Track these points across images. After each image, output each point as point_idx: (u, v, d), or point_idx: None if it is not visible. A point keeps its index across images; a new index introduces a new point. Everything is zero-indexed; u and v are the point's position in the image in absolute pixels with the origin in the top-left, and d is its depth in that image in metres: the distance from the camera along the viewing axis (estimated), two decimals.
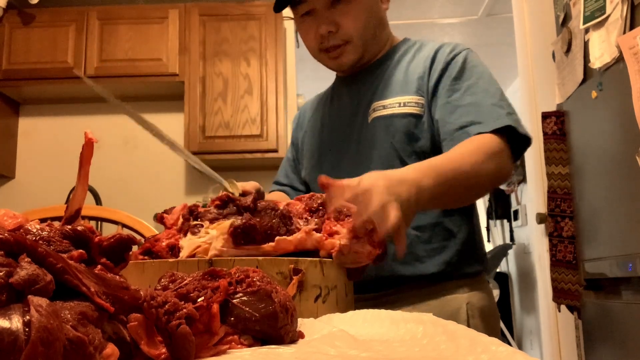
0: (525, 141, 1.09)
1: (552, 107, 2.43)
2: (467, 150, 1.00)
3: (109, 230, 2.70)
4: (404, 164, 1.12)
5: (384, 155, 1.16)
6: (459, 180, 0.96)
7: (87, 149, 0.49)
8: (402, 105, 1.14)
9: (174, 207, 0.96)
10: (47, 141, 3.50)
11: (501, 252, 5.37)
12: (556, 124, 2.32)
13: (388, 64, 1.22)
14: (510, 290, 5.68)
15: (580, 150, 2.19)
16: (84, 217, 1.58)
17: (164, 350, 0.37)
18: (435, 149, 1.13)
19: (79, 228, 0.42)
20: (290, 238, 0.79)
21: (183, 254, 0.80)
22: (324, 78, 1.31)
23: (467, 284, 1.13)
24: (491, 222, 5.80)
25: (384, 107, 1.16)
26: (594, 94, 2.02)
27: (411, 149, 1.13)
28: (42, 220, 0.60)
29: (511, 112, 1.09)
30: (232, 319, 0.46)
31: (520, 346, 5.39)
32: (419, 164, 0.96)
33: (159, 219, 0.96)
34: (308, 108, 1.40)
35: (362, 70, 1.24)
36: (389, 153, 1.15)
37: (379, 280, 1.08)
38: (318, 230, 0.82)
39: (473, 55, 1.20)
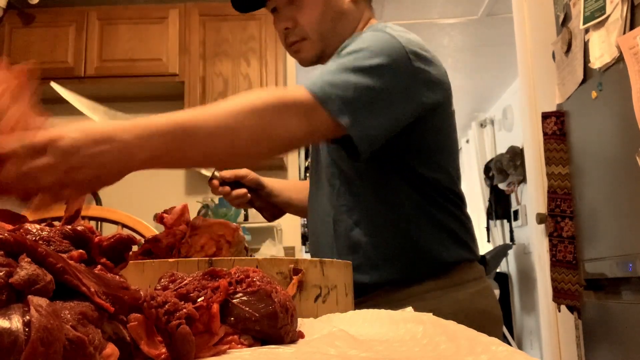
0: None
1: (552, 107, 2.43)
2: (239, 99, 0.89)
3: (109, 230, 2.70)
4: (342, 172, 1.10)
5: (324, 162, 1.16)
6: (196, 132, 0.83)
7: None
8: None
9: (174, 207, 0.96)
10: None
11: (501, 252, 5.38)
12: (556, 124, 2.32)
13: None
14: (510, 290, 5.68)
15: (580, 150, 2.19)
16: (84, 217, 1.58)
17: (164, 350, 0.37)
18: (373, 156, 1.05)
19: (79, 228, 0.42)
20: None
21: None
22: None
23: (436, 288, 1.06)
24: (491, 222, 5.80)
25: None
26: (594, 94, 2.02)
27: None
28: (42, 220, 0.60)
29: (335, 84, 0.95)
30: (232, 319, 0.46)
31: (520, 346, 5.39)
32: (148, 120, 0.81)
33: (159, 219, 0.96)
34: None
35: None
36: (328, 161, 1.14)
37: None
38: None
39: (370, 34, 1.06)
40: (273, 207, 1.34)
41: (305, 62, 1.19)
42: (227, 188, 1.26)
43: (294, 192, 1.36)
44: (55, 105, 3.84)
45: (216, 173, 1.25)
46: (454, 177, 1.14)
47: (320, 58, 1.18)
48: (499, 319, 1.14)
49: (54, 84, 1.13)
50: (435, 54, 1.13)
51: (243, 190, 1.27)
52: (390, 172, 1.09)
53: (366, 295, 1.06)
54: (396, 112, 1.01)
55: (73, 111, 3.65)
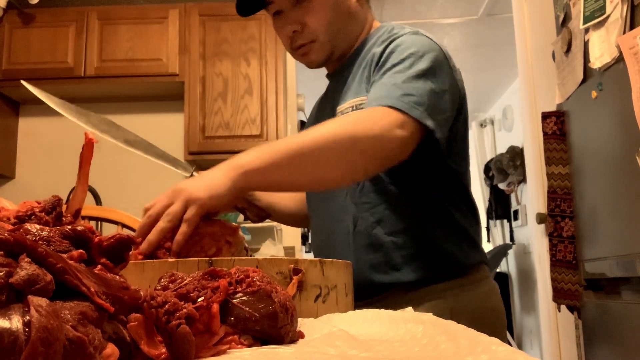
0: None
1: (552, 107, 2.43)
2: (334, 121, 0.97)
3: (109, 230, 2.70)
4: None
5: None
6: (304, 154, 0.91)
7: (87, 150, 0.49)
8: (355, 108, 1.10)
9: None
10: (47, 141, 3.50)
11: (501, 252, 5.37)
12: (556, 124, 2.32)
13: (357, 61, 1.18)
14: (510, 290, 5.67)
15: (580, 150, 2.19)
16: (84, 217, 1.58)
17: (164, 350, 0.37)
18: None
19: (79, 228, 0.42)
20: None
21: None
22: (324, 78, 1.30)
23: (454, 287, 1.07)
24: (491, 222, 5.80)
25: (342, 112, 1.13)
26: (594, 94, 2.02)
27: None
28: None
29: (409, 94, 0.98)
30: (232, 319, 0.46)
31: (520, 346, 5.39)
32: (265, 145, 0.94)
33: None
34: (314, 106, 1.38)
35: (340, 66, 1.21)
36: None
37: (355, 289, 1.03)
38: None
39: (408, 38, 1.09)
40: (258, 209, 1.33)
41: (314, 65, 1.19)
42: None
43: (281, 199, 1.35)
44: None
45: (195, 174, 1.24)
46: (469, 178, 1.18)
47: (328, 58, 1.18)
48: (505, 317, 1.17)
49: (24, 83, 1.14)
50: None
51: None
52: (420, 166, 1.08)
53: (383, 294, 1.07)
54: (452, 107, 1.06)
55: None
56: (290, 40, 1.16)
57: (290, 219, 1.38)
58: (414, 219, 1.09)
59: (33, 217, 0.52)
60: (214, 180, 0.89)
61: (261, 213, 1.34)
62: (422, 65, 1.02)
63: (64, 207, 0.71)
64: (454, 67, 1.11)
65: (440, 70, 1.04)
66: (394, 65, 1.03)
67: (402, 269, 1.06)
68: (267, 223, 3.09)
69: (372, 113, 0.97)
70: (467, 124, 1.17)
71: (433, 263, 1.07)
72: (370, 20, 1.21)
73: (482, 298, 1.10)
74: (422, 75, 1.01)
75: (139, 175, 3.47)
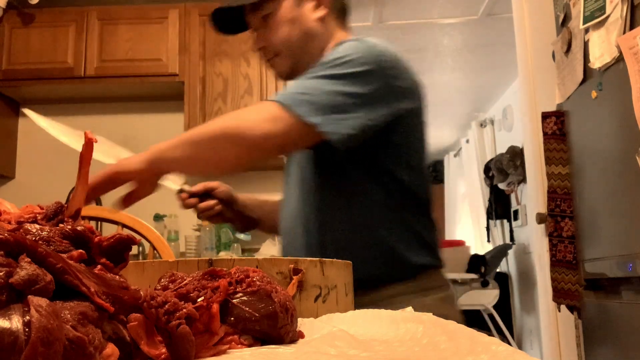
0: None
1: (552, 107, 2.43)
2: (229, 113, 1.10)
3: (109, 230, 2.69)
4: (315, 172, 1.17)
5: (298, 161, 1.24)
6: (194, 141, 1.06)
7: (87, 149, 0.49)
8: None
9: None
10: (47, 141, 3.48)
11: (501, 252, 5.38)
12: (556, 124, 2.32)
13: None
14: (510, 290, 5.68)
15: (580, 150, 2.19)
16: (84, 217, 1.58)
17: (164, 350, 0.37)
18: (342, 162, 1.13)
19: (79, 228, 0.42)
20: None
21: None
22: None
23: (406, 292, 1.08)
24: (491, 222, 5.80)
25: None
26: (594, 94, 2.02)
27: (314, 168, 1.18)
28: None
29: (304, 92, 1.05)
30: (232, 319, 0.46)
31: (520, 346, 5.39)
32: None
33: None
34: None
35: None
36: (301, 161, 1.22)
37: None
38: None
39: (347, 44, 1.15)
40: (245, 219, 1.40)
41: (281, 76, 1.31)
42: (194, 200, 1.30)
43: (267, 212, 1.42)
44: (55, 105, 3.85)
45: (184, 186, 1.30)
46: (424, 181, 1.19)
47: (293, 72, 1.26)
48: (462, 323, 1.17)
49: (27, 111, 1.22)
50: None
51: (212, 202, 1.32)
52: (361, 172, 1.14)
53: None
54: (369, 115, 1.07)
55: (73, 111, 3.67)
56: (261, 56, 1.31)
57: (273, 229, 1.44)
58: (361, 220, 1.12)
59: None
60: (131, 157, 1.11)
61: (248, 224, 1.40)
62: (342, 69, 1.07)
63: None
64: (401, 75, 1.13)
65: (368, 76, 1.08)
66: (316, 67, 1.11)
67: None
68: None
69: (254, 107, 1.10)
70: (422, 127, 1.20)
71: (382, 263, 1.10)
72: (338, 35, 1.27)
73: (435, 305, 1.09)
74: (335, 77, 1.07)
75: None
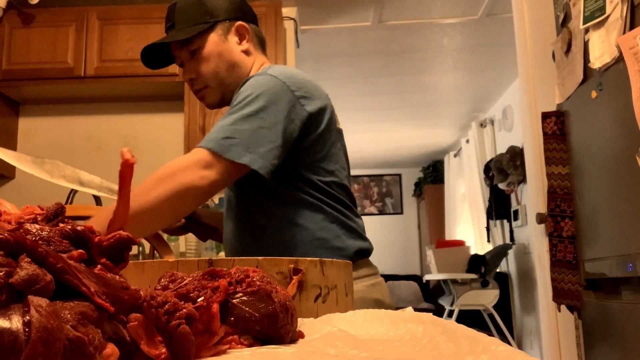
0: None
1: (552, 107, 2.43)
2: (160, 176, 1.18)
3: None
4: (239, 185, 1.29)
5: (228, 195, 1.37)
6: (163, 201, 1.14)
7: (126, 171, 0.48)
8: None
9: None
10: (47, 141, 3.49)
11: (501, 252, 5.38)
12: (556, 124, 2.32)
13: None
14: (510, 290, 5.68)
15: (580, 150, 2.19)
16: (84, 218, 1.58)
17: (164, 350, 0.37)
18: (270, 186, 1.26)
19: (79, 228, 0.42)
20: None
21: None
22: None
23: None
24: (491, 222, 5.80)
25: None
26: (594, 94, 2.02)
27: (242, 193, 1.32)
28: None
29: (230, 137, 1.16)
30: (232, 319, 0.46)
31: (520, 346, 5.39)
32: None
33: None
34: None
35: None
36: (230, 195, 1.36)
37: None
38: None
39: (251, 81, 1.27)
40: (206, 228, 1.52)
41: (211, 106, 1.40)
42: None
43: (217, 220, 1.52)
44: (55, 106, 3.84)
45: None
46: (342, 180, 1.32)
47: (223, 101, 1.38)
48: (390, 307, 1.30)
49: None
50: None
51: None
52: (281, 183, 1.27)
53: None
54: (285, 136, 1.20)
55: (73, 111, 3.66)
56: (190, 86, 1.39)
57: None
58: (286, 219, 1.26)
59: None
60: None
61: (208, 232, 1.53)
62: (253, 106, 1.20)
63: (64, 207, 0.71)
64: (306, 95, 1.26)
65: (275, 105, 1.21)
66: (232, 108, 1.22)
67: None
68: None
69: (187, 159, 1.16)
70: (333, 135, 1.32)
71: (312, 250, 1.22)
72: (259, 64, 1.40)
73: (365, 290, 1.23)
74: (250, 115, 1.19)
75: (139, 176, 3.46)
